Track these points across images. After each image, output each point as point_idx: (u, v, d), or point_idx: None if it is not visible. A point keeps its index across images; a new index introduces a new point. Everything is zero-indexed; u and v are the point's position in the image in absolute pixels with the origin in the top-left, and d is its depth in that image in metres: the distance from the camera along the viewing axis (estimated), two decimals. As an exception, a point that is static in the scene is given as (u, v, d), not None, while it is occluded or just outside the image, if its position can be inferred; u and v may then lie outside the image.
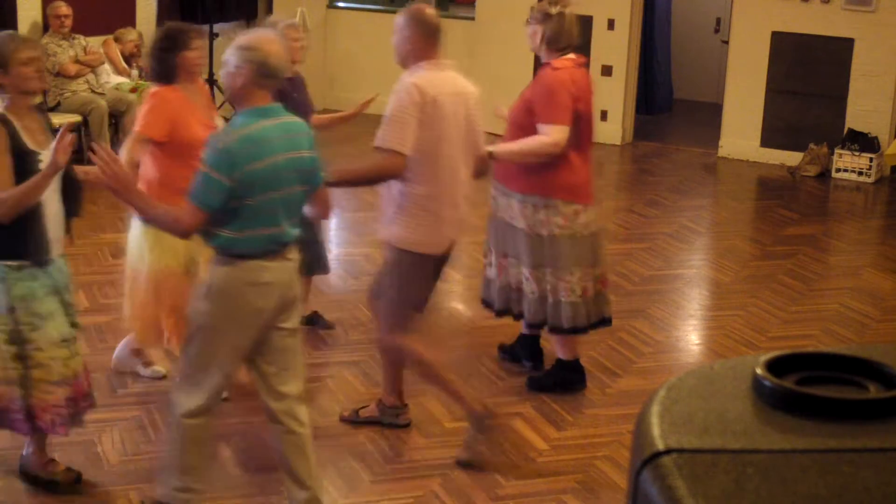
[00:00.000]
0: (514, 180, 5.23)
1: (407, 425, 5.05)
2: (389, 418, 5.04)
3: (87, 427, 4.88)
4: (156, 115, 4.86)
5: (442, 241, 4.72)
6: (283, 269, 3.97)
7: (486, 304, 5.64)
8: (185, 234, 3.97)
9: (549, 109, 5.07)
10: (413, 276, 4.74)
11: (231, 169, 3.72)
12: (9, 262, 4.14)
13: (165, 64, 4.94)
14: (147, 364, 5.49)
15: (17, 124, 4.10)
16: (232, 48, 3.85)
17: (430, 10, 4.72)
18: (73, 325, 4.37)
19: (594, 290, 5.34)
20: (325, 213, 4.33)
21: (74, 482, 4.50)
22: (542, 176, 5.16)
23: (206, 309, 3.95)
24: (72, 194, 4.29)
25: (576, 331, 5.37)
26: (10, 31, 4.72)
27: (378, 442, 4.92)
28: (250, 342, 4.01)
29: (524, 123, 5.15)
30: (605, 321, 5.48)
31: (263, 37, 3.93)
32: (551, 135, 5.05)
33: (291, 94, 5.23)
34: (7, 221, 4.05)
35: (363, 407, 5.13)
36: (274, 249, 3.91)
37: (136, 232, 5.02)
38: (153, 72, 5.03)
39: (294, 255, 4.04)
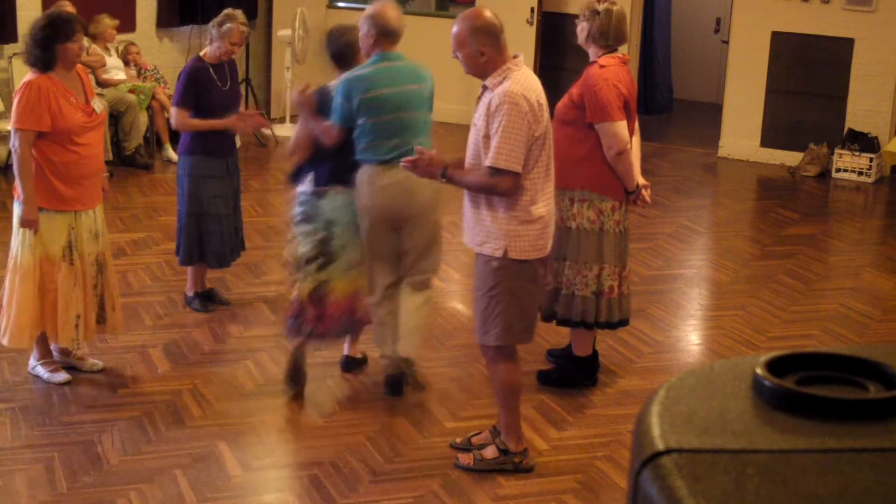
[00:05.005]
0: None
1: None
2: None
3: (87, 427, 4.88)
4: (37, 108, 4.92)
5: (547, 244, 4.54)
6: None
7: None
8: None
9: (600, 109, 5.07)
10: (525, 283, 4.54)
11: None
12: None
13: (46, 52, 4.96)
14: (53, 368, 5.35)
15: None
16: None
17: (488, 11, 4.40)
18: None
19: (618, 290, 5.34)
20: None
21: None
22: (579, 170, 5.18)
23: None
24: None
25: (587, 325, 5.36)
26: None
27: (378, 442, 4.92)
28: None
29: (570, 119, 5.16)
30: (623, 322, 5.47)
31: None
32: (610, 133, 5.07)
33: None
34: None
35: (475, 434, 4.90)
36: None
37: (15, 222, 5.08)
38: (32, 56, 5.02)
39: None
